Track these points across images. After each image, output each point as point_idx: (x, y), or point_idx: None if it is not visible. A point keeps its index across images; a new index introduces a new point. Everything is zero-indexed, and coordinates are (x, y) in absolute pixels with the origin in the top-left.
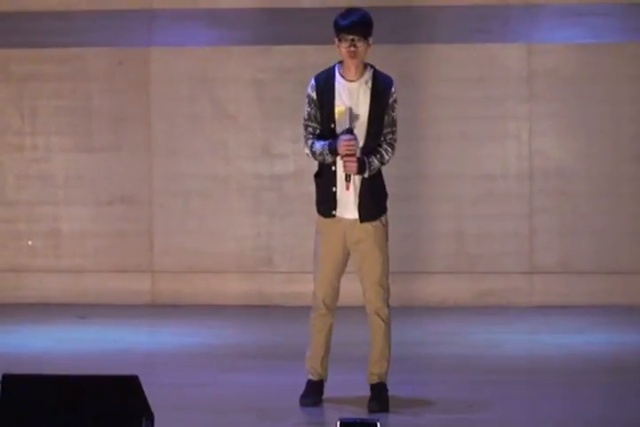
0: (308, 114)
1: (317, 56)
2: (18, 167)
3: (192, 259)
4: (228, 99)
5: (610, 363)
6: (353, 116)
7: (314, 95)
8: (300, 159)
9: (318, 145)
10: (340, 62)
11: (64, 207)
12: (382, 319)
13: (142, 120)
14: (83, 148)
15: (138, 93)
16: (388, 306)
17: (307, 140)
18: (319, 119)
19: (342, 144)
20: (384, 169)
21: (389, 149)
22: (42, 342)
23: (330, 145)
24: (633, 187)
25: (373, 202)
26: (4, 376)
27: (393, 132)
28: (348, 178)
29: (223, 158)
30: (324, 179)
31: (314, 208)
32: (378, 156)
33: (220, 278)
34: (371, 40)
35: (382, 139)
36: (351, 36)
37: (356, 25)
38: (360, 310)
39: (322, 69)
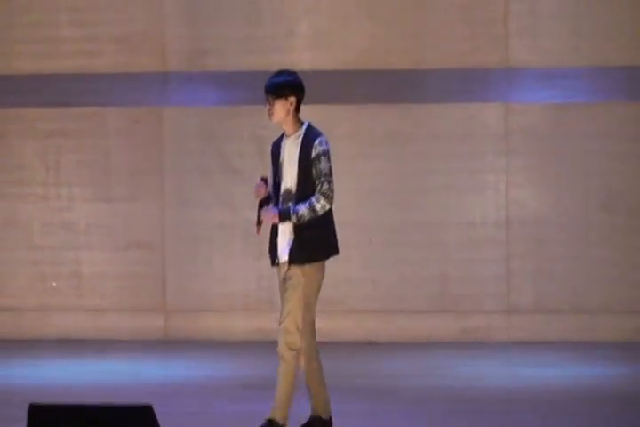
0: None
1: (313, 115)
2: (43, 215)
3: (201, 299)
4: (233, 153)
5: (582, 394)
6: (286, 171)
7: (270, 151)
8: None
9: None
10: None
11: (85, 252)
12: (283, 362)
13: (156, 173)
14: (102, 198)
15: (152, 149)
16: (292, 350)
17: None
18: (274, 173)
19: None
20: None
21: (320, 197)
22: (65, 374)
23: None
24: (600, 234)
25: (301, 248)
26: (32, 406)
27: (323, 183)
28: (259, 222)
29: (229, 208)
30: (272, 231)
31: None
32: (307, 204)
33: (226, 317)
34: (291, 99)
35: (315, 189)
36: (267, 95)
37: (271, 86)
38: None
39: (315, 127)
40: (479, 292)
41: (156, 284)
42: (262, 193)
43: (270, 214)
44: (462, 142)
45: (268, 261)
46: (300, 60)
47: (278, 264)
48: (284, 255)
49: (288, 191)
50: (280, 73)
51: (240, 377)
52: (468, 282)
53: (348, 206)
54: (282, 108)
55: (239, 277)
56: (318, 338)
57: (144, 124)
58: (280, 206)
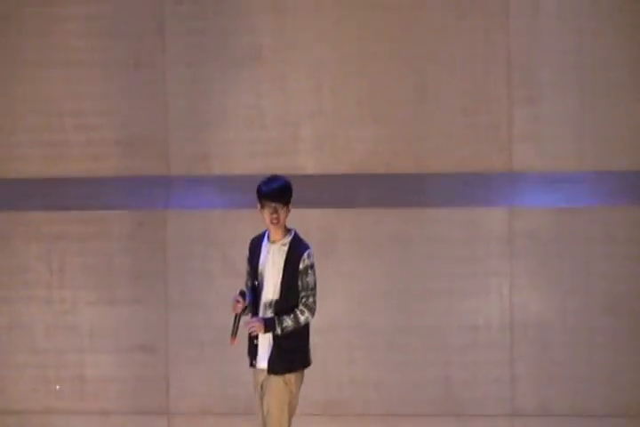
0: (246, 269)
1: (317, 218)
2: (47, 318)
3: (204, 401)
4: (236, 257)
5: None
6: (268, 278)
7: (247, 253)
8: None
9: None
10: None
11: (89, 355)
12: None
13: (159, 276)
14: (106, 301)
15: (155, 252)
16: None
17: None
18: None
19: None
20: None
21: (305, 310)
22: None
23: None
24: (605, 337)
25: (281, 358)
26: None
27: (308, 296)
28: (234, 332)
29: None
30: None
31: (314, 354)
32: (291, 316)
33: (229, 419)
34: (290, 206)
35: (300, 301)
36: (273, 204)
37: (277, 193)
38: None
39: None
40: (483, 395)
41: (159, 386)
42: (240, 309)
43: (256, 324)
44: (465, 246)
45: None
46: (305, 163)
47: (255, 367)
48: (262, 363)
49: (269, 299)
50: (275, 178)
51: None
52: (471, 386)
53: (351, 309)
54: (285, 215)
55: (242, 380)
56: None
57: (148, 227)
58: (261, 315)
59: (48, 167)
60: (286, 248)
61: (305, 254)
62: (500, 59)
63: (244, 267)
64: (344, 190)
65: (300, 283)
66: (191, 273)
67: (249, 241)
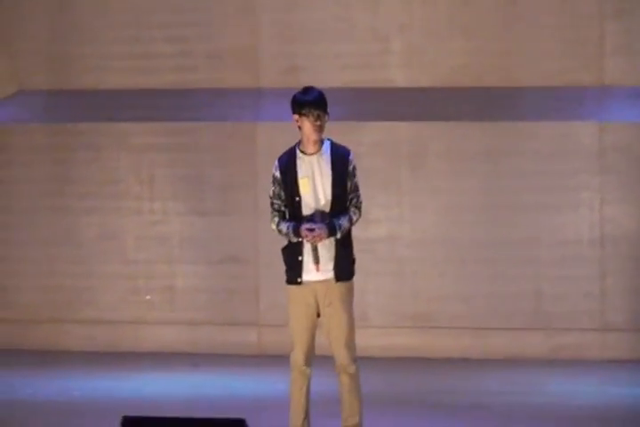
0: (273, 192)
1: (405, 131)
2: (137, 229)
3: None
4: None
5: None
6: (316, 187)
7: (277, 174)
8: (391, 224)
9: (284, 225)
10: (299, 140)
11: (178, 265)
12: (350, 376)
13: (249, 187)
14: (195, 212)
15: (245, 163)
16: (355, 361)
17: (273, 216)
18: (283, 197)
19: (303, 233)
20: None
21: (357, 211)
22: (158, 387)
23: (294, 228)
24: None
25: (347, 262)
26: (124, 418)
27: (357, 197)
28: (316, 260)
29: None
30: (291, 249)
31: (404, 268)
32: (347, 218)
33: (319, 330)
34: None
35: (349, 203)
36: (317, 111)
37: (320, 100)
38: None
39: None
40: (572, 310)
41: (249, 298)
42: (322, 237)
43: (321, 231)
44: (556, 160)
45: (362, 277)
46: (395, 76)
47: (301, 283)
48: (320, 274)
49: (317, 210)
50: (312, 88)
51: (333, 392)
52: (561, 299)
53: (440, 223)
54: (325, 123)
55: None
56: (410, 354)
57: (237, 138)
58: (318, 222)
59: (138, 79)
60: (329, 156)
61: (350, 156)
62: None
63: (270, 190)
64: (434, 104)
65: (348, 184)
66: None
67: (275, 165)
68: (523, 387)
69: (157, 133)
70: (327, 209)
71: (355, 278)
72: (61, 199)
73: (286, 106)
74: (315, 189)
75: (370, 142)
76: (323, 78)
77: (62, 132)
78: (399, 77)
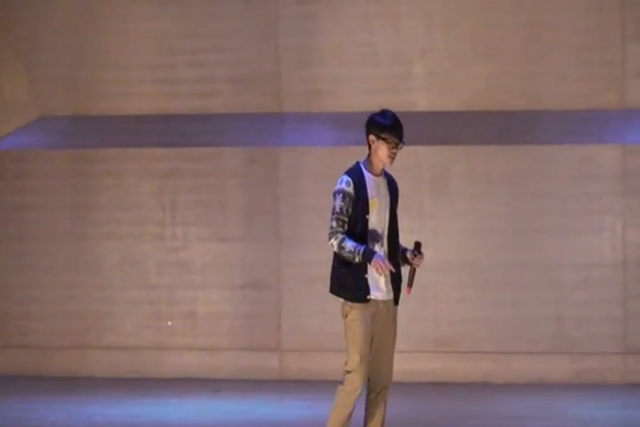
0: (341, 208)
1: (429, 155)
2: (159, 255)
3: (316, 338)
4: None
5: None
6: (380, 208)
7: (350, 190)
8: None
9: (350, 244)
10: (365, 160)
11: (201, 291)
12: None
13: (272, 213)
14: (218, 237)
15: (268, 188)
16: None
17: (336, 232)
18: (350, 213)
19: (377, 265)
20: None
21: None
22: (180, 413)
23: (364, 254)
24: None
25: (398, 289)
26: None
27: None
28: (411, 283)
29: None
30: (355, 267)
31: (426, 292)
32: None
33: (340, 356)
34: None
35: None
36: (397, 140)
37: (401, 128)
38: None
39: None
40: (595, 333)
41: (271, 323)
42: (418, 263)
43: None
44: (578, 183)
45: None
46: (417, 100)
47: (369, 300)
48: (385, 294)
49: (378, 231)
50: (391, 112)
51: (355, 416)
52: (584, 323)
53: (464, 247)
54: None
55: None
56: (432, 378)
57: (260, 164)
58: (370, 246)
59: (161, 104)
60: (386, 179)
61: (396, 181)
62: None
63: (337, 206)
64: (456, 127)
65: (396, 208)
66: (303, 210)
67: (348, 181)
68: (545, 411)
69: (179, 159)
70: (385, 230)
71: None
72: (83, 225)
73: (309, 130)
74: (379, 209)
75: (392, 166)
76: (345, 102)
77: (84, 157)
78: (421, 101)
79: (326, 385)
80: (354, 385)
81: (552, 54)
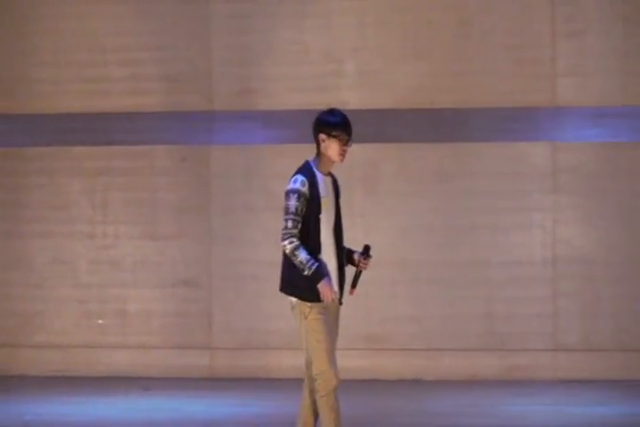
0: (296, 208)
1: (360, 153)
2: (90, 253)
3: (247, 336)
4: (279, 191)
5: None
6: (329, 207)
7: (305, 190)
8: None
9: (303, 256)
10: (315, 159)
11: (131, 289)
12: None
13: (203, 211)
14: (148, 236)
15: (199, 187)
16: None
17: (290, 235)
18: (304, 213)
19: (323, 290)
20: None
21: None
22: (111, 411)
23: (315, 273)
24: None
25: (343, 286)
26: None
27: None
28: (354, 285)
29: (276, 245)
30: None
31: (357, 289)
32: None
33: (271, 354)
34: None
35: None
36: (348, 136)
37: (350, 125)
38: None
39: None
40: (525, 330)
41: (202, 321)
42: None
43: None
44: (509, 181)
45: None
46: (348, 98)
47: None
48: (336, 294)
49: (328, 229)
50: (339, 111)
51: (285, 415)
52: (513, 320)
53: (394, 244)
54: None
55: (285, 314)
56: (363, 376)
57: (191, 162)
58: (324, 245)
59: (92, 102)
60: (331, 179)
61: (338, 181)
62: None
63: (291, 207)
64: (387, 125)
65: (341, 210)
66: (234, 208)
67: (303, 181)
68: (476, 408)
69: (110, 157)
70: (332, 229)
71: None
72: (13, 224)
73: (240, 128)
74: (329, 208)
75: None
76: (276, 101)
77: (14, 156)
78: (352, 99)
79: (257, 383)
80: (330, 385)
81: (483, 52)
